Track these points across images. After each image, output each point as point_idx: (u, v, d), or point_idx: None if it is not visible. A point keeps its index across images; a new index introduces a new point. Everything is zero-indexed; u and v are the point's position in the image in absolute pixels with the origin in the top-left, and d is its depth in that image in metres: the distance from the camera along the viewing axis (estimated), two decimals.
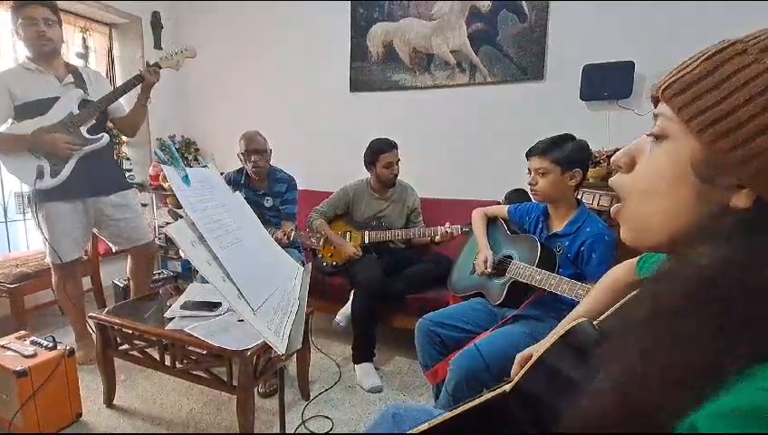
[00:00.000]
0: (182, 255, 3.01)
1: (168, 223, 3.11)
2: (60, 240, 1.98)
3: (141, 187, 3.34)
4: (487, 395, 0.62)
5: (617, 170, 0.48)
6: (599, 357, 0.44)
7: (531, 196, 1.56)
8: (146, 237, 2.26)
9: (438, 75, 2.76)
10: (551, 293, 1.38)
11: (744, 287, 0.33)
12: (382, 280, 2.10)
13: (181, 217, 0.89)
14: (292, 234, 2.16)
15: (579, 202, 1.53)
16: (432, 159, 2.81)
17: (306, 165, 3.00)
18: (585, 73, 2.34)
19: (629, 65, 2.25)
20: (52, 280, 2.09)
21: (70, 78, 1.99)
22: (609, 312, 0.61)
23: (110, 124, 2.17)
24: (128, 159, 3.45)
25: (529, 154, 1.50)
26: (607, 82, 2.29)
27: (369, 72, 2.94)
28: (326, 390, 1.94)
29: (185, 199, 0.91)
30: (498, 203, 2.23)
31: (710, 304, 0.34)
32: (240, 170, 2.41)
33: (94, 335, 1.80)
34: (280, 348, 0.84)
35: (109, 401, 1.80)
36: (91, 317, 1.74)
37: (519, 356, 0.78)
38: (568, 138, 1.46)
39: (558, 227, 1.53)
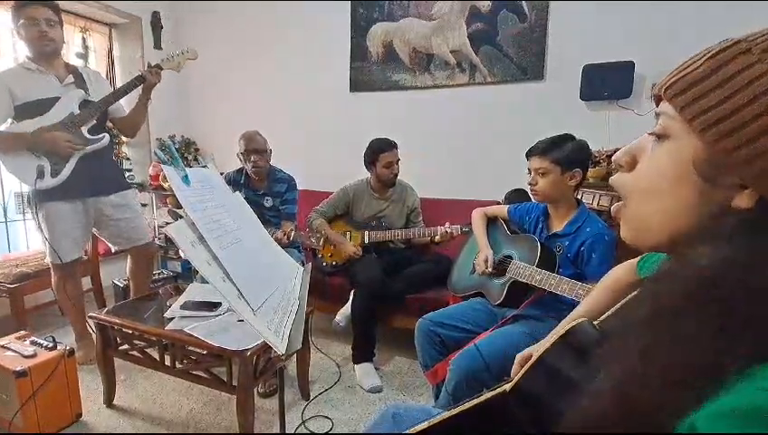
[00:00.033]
0: (182, 255, 3.01)
1: (167, 223, 3.11)
2: (60, 240, 1.98)
3: (141, 187, 3.34)
4: (487, 395, 0.62)
5: (618, 169, 0.48)
6: (599, 357, 0.44)
7: (531, 196, 1.56)
8: (146, 237, 2.26)
9: (438, 75, 2.76)
10: (551, 293, 1.38)
11: (745, 287, 0.33)
12: (382, 280, 2.10)
13: (181, 217, 0.89)
14: (292, 234, 2.16)
15: (579, 202, 1.53)
16: (432, 159, 2.81)
17: (306, 165, 3.00)
18: (585, 73, 2.34)
19: (629, 65, 2.25)
20: (52, 280, 2.09)
21: (70, 78, 1.99)
22: (609, 312, 0.61)
23: (109, 124, 2.17)
24: (128, 159, 3.45)
25: (529, 154, 1.50)
26: (607, 82, 2.29)
27: (369, 72, 2.95)
28: (326, 390, 1.94)
29: (185, 199, 0.91)
30: (498, 203, 2.23)
31: (711, 304, 0.34)
32: (240, 170, 2.41)
33: (94, 335, 1.80)
34: (280, 348, 0.84)
35: (109, 401, 1.80)
36: (90, 317, 1.74)
37: (519, 356, 0.78)
38: (568, 138, 1.46)
39: (558, 226, 1.53)
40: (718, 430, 0.29)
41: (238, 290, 0.85)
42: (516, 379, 0.60)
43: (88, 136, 1.96)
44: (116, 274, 2.84)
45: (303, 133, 3.22)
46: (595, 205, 1.87)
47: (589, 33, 2.38)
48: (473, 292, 1.72)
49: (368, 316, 2.06)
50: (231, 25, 3.37)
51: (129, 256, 2.28)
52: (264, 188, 2.39)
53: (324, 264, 2.38)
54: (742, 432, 0.28)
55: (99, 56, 3.28)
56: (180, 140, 3.57)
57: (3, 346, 1.61)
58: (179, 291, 1.94)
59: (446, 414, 0.63)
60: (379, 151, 2.29)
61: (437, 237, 2.13)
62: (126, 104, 2.17)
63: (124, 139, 3.24)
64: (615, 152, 2.24)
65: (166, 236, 3.11)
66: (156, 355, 1.64)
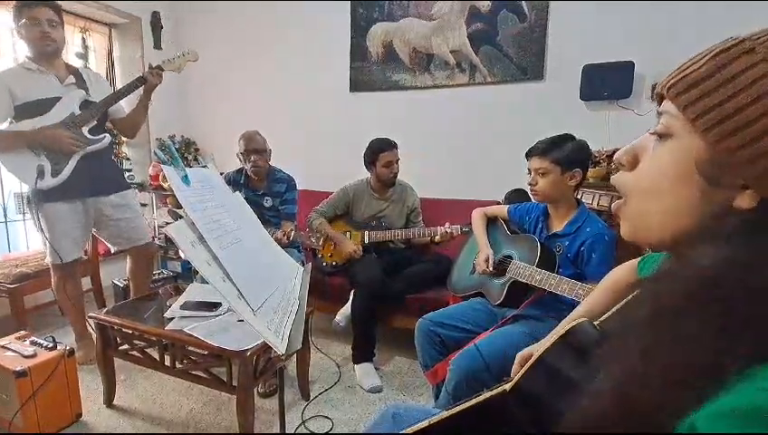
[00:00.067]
0: (182, 255, 3.01)
1: (167, 223, 3.11)
2: (60, 240, 1.98)
3: (141, 187, 3.34)
4: (486, 395, 0.62)
5: (619, 168, 0.48)
6: (599, 357, 0.44)
7: (531, 196, 1.56)
8: (145, 237, 2.26)
9: (438, 75, 2.76)
10: (551, 293, 1.38)
11: (746, 288, 0.33)
12: (382, 280, 2.10)
13: (181, 217, 0.89)
14: (292, 234, 2.17)
15: (579, 202, 1.53)
16: (432, 159, 2.81)
17: (306, 165, 3.00)
18: (585, 73, 2.34)
19: (629, 65, 2.25)
20: (52, 280, 2.09)
21: (71, 79, 1.99)
22: (610, 312, 0.61)
23: (108, 125, 2.17)
24: (128, 159, 3.45)
25: (529, 154, 1.50)
26: (607, 82, 2.29)
27: (369, 72, 2.95)
28: (326, 390, 1.94)
29: (184, 199, 0.91)
30: (498, 203, 2.23)
31: (712, 304, 0.34)
32: (240, 170, 2.41)
33: (94, 335, 1.79)
34: (280, 348, 0.84)
35: (109, 401, 1.80)
36: (90, 317, 1.74)
37: (519, 355, 0.78)
38: (568, 138, 1.46)
39: (558, 226, 1.53)
40: (718, 430, 0.29)
41: (238, 290, 0.85)
42: (516, 379, 0.60)
43: (89, 136, 1.96)
44: (116, 274, 2.84)
45: (303, 133, 3.22)
46: (595, 205, 1.87)
47: (589, 33, 2.38)
48: (473, 292, 1.72)
49: (368, 316, 2.06)
50: (231, 25, 3.37)
51: (128, 257, 2.28)
52: (264, 189, 2.39)
53: (324, 264, 2.38)
54: (742, 432, 0.28)
55: (98, 56, 3.28)
56: (180, 140, 3.57)
57: (3, 346, 1.61)
58: (179, 291, 1.94)
59: (446, 414, 0.63)
60: (379, 151, 2.29)
61: (437, 237, 2.13)
62: (125, 105, 2.17)
63: (124, 139, 3.24)
64: (615, 152, 2.25)
65: (166, 236, 3.11)
66: (156, 355, 1.64)
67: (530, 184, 1.51)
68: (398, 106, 2.91)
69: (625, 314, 0.58)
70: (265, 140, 2.35)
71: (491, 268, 1.58)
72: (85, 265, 2.57)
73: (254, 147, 2.29)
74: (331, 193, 2.50)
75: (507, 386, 0.61)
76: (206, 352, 1.53)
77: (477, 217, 1.80)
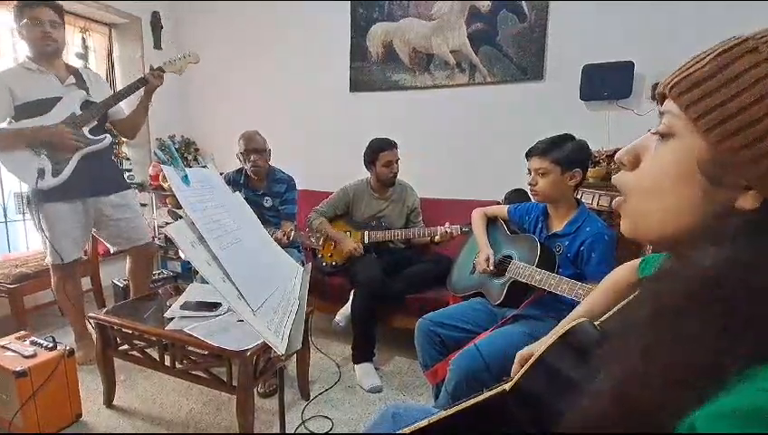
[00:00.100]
0: (182, 255, 3.01)
1: (167, 223, 3.11)
2: (60, 240, 1.98)
3: (141, 187, 3.34)
4: (486, 394, 0.62)
5: (620, 168, 0.48)
6: (599, 357, 0.44)
7: (531, 196, 1.56)
8: (145, 237, 2.26)
9: (438, 75, 2.76)
10: (550, 293, 1.38)
11: (748, 288, 0.33)
12: (382, 280, 2.10)
13: (181, 217, 0.89)
14: (292, 234, 2.17)
15: (578, 202, 1.53)
16: (432, 159, 2.81)
17: (306, 165, 3.00)
18: (585, 73, 2.34)
19: (629, 65, 2.25)
20: (52, 280, 2.09)
21: (72, 79, 2.00)
22: (610, 312, 0.61)
23: (108, 126, 2.17)
24: (128, 159, 3.45)
25: (529, 154, 1.50)
26: (606, 82, 2.29)
27: (369, 72, 2.95)
28: (326, 390, 1.94)
29: (184, 200, 0.91)
30: (498, 203, 2.23)
31: (713, 304, 0.34)
32: (239, 171, 2.41)
33: (94, 335, 1.79)
34: (280, 348, 0.84)
35: (108, 402, 1.80)
36: (90, 317, 1.74)
37: (519, 355, 0.77)
38: (567, 138, 1.46)
39: (558, 226, 1.53)
40: (718, 430, 0.29)
41: (238, 290, 0.85)
42: (516, 378, 0.60)
43: (89, 136, 1.97)
44: (116, 274, 2.84)
45: (303, 133, 3.22)
46: (595, 205, 1.87)
47: (589, 33, 2.38)
48: (473, 292, 1.72)
49: (368, 316, 2.06)
50: (231, 25, 3.37)
51: (128, 257, 2.28)
52: (264, 189, 2.39)
53: (324, 264, 2.38)
54: (742, 433, 0.28)
55: (98, 56, 3.28)
56: (180, 140, 3.57)
57: (3, 346, 1.61)
58: (179, 291, 1.94)
59: (445, 413, 0.63)
60: (379, 150, 2.29)
61: (437, 237, 2.13)
62: (125, 106, 2.17)
63: (124, 139, 3.24)
64: (615, 152, 2.25)
65: (166, 236, 3.11)
66: (156, 355, 1.64)
67: (530, 184, 1.51)
68: (398, 106, 2.90)
69: (625, 314, 0.58)
70: (265, 140, 2.35)
71: (491, 267, 1.58)
72: (85, 265, 2.57)
73: (253, 147, 2.29)
74: (331, 193, 2.50)
75: (507, 386, 0.61)
76: (206, 352, 1.53)
77: (477, 217, 1.80)
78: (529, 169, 1.50)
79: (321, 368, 2.10)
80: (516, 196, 2.21)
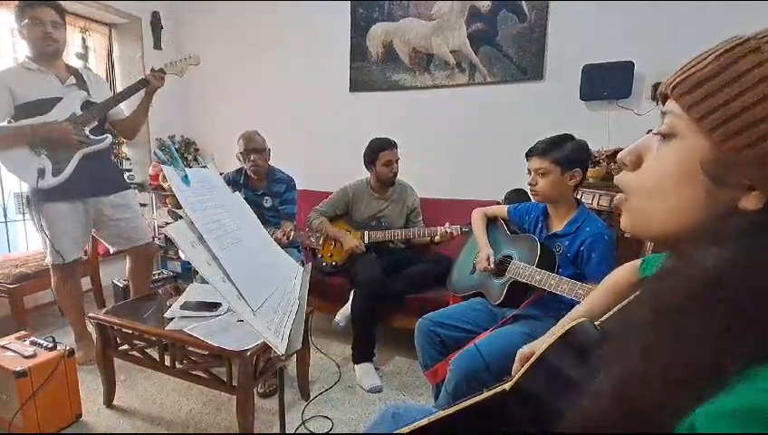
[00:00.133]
0: (182, 255, 3.01)
1: (167, 223, 3.11)
2: (60, 240, 1.98)
3: (141, 187, 3.34)
4: (486, 394, 0.62)
5: (622, 168, 0.48)
6: (599, 357, 0.44)
7: (531, 196, 1.56)
8: (145, 237, 2.26)
9: (438, 75, 2.76)
10: (550, 293, 1.38)
11: (750, 289, 0.33)
12: (382, 280, 2.10)
13: (181, 217, 0.89)
14: (292, 234, 2.17)
15: (578, 202, 1.53)
16: (432, 159, 2.81)
17: (306, 165, 3.00)
18: (585, 73, 2.34)
19: (629, 65, 2.25)
20: (52, 281, 2.09)
21: (72, 79, 2.00)
22: (611, 312, 0.61)
23: (107, 126, 2.17)
24: (127, 159, 3.45)
25: (528, 154, 1.50)
26: (606, 82, 2.29)
27: (369, 72, 2.95)
28: (326, 390, 1.94)
29: (184, 200, 0.91)
30: (498, 203, 2.23)
31: (715, 304, 0.34)
32: (239, 171, 2.42)
33: (94, 336, 1.79)
34: (280, 348, 0.84)
35: (108, 402, 1.80)
36: (90, 317, 1.74)
37: (519, 353, 0.77)
38: (567, 138, 1.46)
39: (558, 226, 1.53)
40: (718, 430, 0.29)
41: (238, 290, 0.85)
42: (516, 378, 0.60)
43: (90, 136, 1.97)
44: (116, 274, 2.84)
45: (303, 133, 3.22)
46: (595, 205, 1.87)
47: (588, 33, 2.38)
48: (473, 292, 1.72)
49: (368, 316, 2.06)
50: (231, 25, 3.37)
51: (128, 257, 2.28)
52: (264, 189, 2.39)
53: (324, 264, 2.38)
54: (742, 433, 0.28)
55: (98, 56, 3.28)
56: (180, 140, 3.57)
57: (3, 346, 1.61)
58: (179, 291, 1.94)
59: (445, 413, 0.63)
60: (379, 150, 2.29)
61: (437, 237, 2.13)
62: (124, 107, 2.17)
63: (123, 139, 3.24)
64: (615, 152, 2.25)
65: (166, 236, 3.11)
66: (156, 355, 1.64)
67: (530, 184, 1.51)
68: (398, 106, 2.90)
69: (626, 314, 0.58)
70: (264, 140, 2.35)
71: (492, 265, 1.57)
72: (85, 265, 2.57)
73: (253, 146, 2.29)
74: (331, 193, 2.50)
75: (507, 385, 0.61)
76: (206, 353, 1.53)
77: (477, 217, 1.80)
78: (529, 169, 1.50)
79: (321, 368, 2.10)
80: (516, 196, 2.21)
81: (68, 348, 1.65)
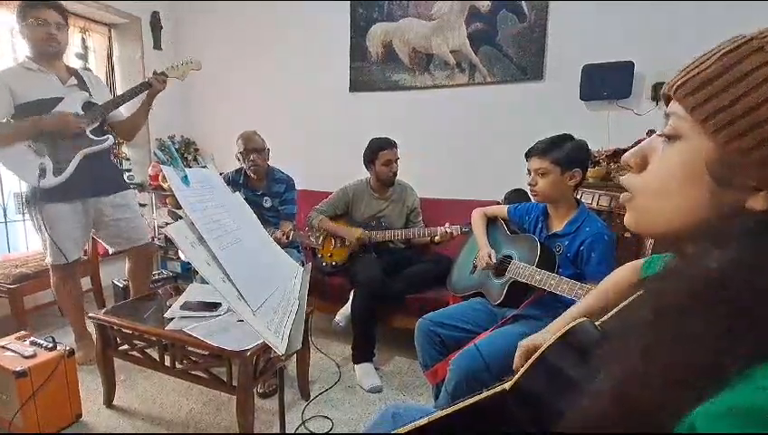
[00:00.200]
0: (182, 255, 3.01)
1: (167, 223, 3.11)
2: (62, 241, 1.98)
3: (141, 187, 3.34)
4: (486, 393, 0.62)
5: (627, 169, 0.48)
6: (600, 357, 0.44)
7: (530, 196, 1.56)
8: (145, 238, 2.26)
9: (438, 75, 2.76)
10: (550, 293, 1.38)
11: (753, 289, 0.33)
12: (382, 280, 2.10)
13: (181, 217, 0.89)
14: (291, 233, 2.17)
15: (578, 202, 1.53)
16: (432, 159, 2.81)
17: (306, 165, 3.00)
18: (585, 73, 2.34)
19: (629, 65, 2.25)
20: (52, 281, 2.09)
21: (73, 80, 2.00)
22: (611, 312, 0.61)
23: (106, 127, 2.17)
24: (127, 159, 3.45)
25: (528, 155, 1.50)
26: (606, 82, 2.29)
27: (369, 72, 2.95)
28: (326, 390, 1.94)
29: (184, 200, 0.91)
30: (498, 203, 2.23)
31: (718, 304, 0.34)
32: (239, 171, 2.42)
33: (94, 336, 1.79)
34: (280, 348, 0.84)
35: (108, 402, 1.80)
36: (90, 317, 1.74)
37: (521, 345, 0.77)
38: (567, 138, 1.46)
39: (557, 226, 1.53)
40: (718, 429, 0.29)
41: (238, 290, 0.85)
42: (516, 378, 0.60)
43: (92, 137, 1.97)
44: (116, 274, 2.84)
45: (303, 133, 3.22)
46: (595, 205, 1.87)
47: (588, 33, 2.38)
48: (473, 292, 1.72)
49: (368, 316, 2.06)
50: (231, 25, 3.37)
51: (127, 257, 2.28)
52: (263, 189, 2.39)
53: (324, 264, 2.38)
54: (742, 432, 0.28)
55: (98, 57, 3.27)
56: (180, 140, 3.57)
57: (3, 346, 1.61)
58: (179, 291, 1.94)
59: (444, 412, 0.63)
60: (378, 149, 2.29)
61: (437, 237, 2.13)
62: (123, 108, 2.17)
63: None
64: (615, 152, 2.23)
65: (166, 236, 3.11)
66: (156, 355, 1.64)
67: (530, 184, 1.51)
68: (398, 106, 2.90)
69: (627, 314, 0.58)
70: (264, 140, 2.35)
71: (494, 261, 1.57)
72: (85, 265, 2.57)
73: (252, 146, 2.29)
74: (331, 193, 2.50)
75: (507, 385, 0.61)
76: (205, 353, 1.53)
77: (477, 217, 1.80)
78: (529, 170, 1.50)
79: (321, 368, 2.10)
80: (516, 196, 2.21)
81: (68, 348, 1.65)
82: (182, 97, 3.59)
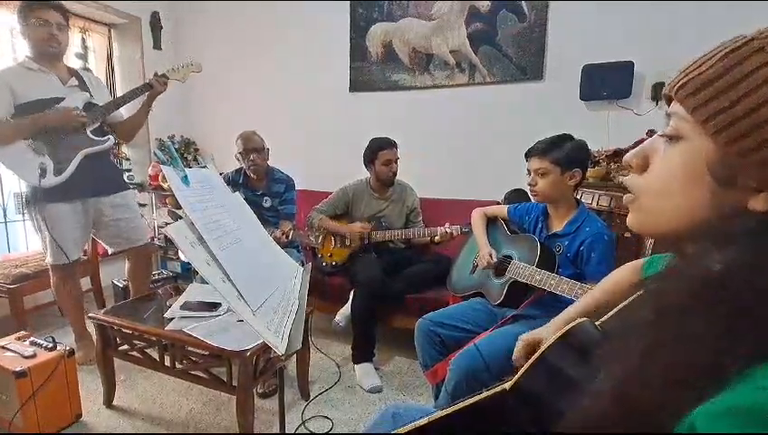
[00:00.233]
0: (181, 255, 3.01)
1: (167, 223, 3.11)
2: (64, 241, 1.98)
3: (141, 187, 3.34)
4: (486, 393, 0.62)
5: (628, 170, 0.48)
6: (600, 357, 0.44)
7: (530, 196, 1.56)
8: (144, 238, 2.26)
9: (438, 75, 2.76)
10: (550, 293, 1.38)
11: (754, 289, 0.33)
12: (382, 280, 2.10)
13: (181, 217, 0.89)
14: (291, 233, 2.17)
15: (578, 202, 1.53)
16: (432, 159, 2.81)
17: (306, 165, 3.00)
18: (585, 73, 2.34)
19: (629, 65, 2.25)
20: (52, 281, 2.09)
21: (74, 81, 2.01)
22: (611, 312, 0.61)
23: (106, 128, 2.17)
24: (127, 159, 3.45)
25: (528, 155, 1.50)
26: (606, 82, 2.29)
27: (369, 72, 2.95)
28: (326, 390, 1.94)
29: (184, 200, 0.91)
30: (498, 203, 2.23)
31: (718, 304, 0.34)
32: (238, 171, 2.42)
33: (94, 336, 1.79)
34: (279, 348, 0.84)
35: (108, 402, 1.80)
36: (90, 318, 1.74)
37: (522, 339, 0.77)
38: (567, 138, 1.46)
39: (557, 226, 1.53)
40: (718, 429, 0.29)
41: (238, 290, 0.85)
42: (516, 378, 0.60)
43: (93, 137, 1.97)
44: (115, 274, 2.84)
45: (303, 133, 3.22)
46: (595, 205, 1.87)
47: (588, 33, 2.38)
48: (473, 292, 1.72)
49: (368, 316, 2.06)
50: (231, 25, 3.36)
51: (127, 258, 2.28)
52: (263, 189, 2.39)
53: (324, 264, 2.38)
54: (742, 432, 0.28)
55: (98, 57, 3.27)
56: (180, 140, 3.57)
57: (3, 347, 1.61)
58: (179, 291, 1.94)
59: (444, 412, 0.63)
60: (378, 149, 2.29)
61: (437, 237, 2.13)
62: (123, 109, 2.17)
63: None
64: (615, 152, 2.23)
65: (166, 236, 3.11)
66: (156, 356, 1.64)
67: (529, 184, 1.51)
68: (398, 106, 2.90)
69: (627, 314, 0.58)
70: (263, 140, 2.35)
71: (495, 259, 1.57)
72: (85, 265, 2.57)
73: (252, 146, 2.29)
74: (331, 193, 2.50)
75: (507, 385, 0.61)
76: (205, 353, 1.53)
77: (477, 217, 1.80)
78: (528, 170, 1.50)
79: (321, 368, 2.10)
80: (516, 196, 2.21)
81: (68, 348, 1.65)
82: (182, 97, 3.58)
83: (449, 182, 2.77)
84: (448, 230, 2.09)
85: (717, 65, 0.38)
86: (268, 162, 2.39)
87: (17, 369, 1.49)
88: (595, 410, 0.39)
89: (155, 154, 3.28)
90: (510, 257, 1.58)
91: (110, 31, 3.33)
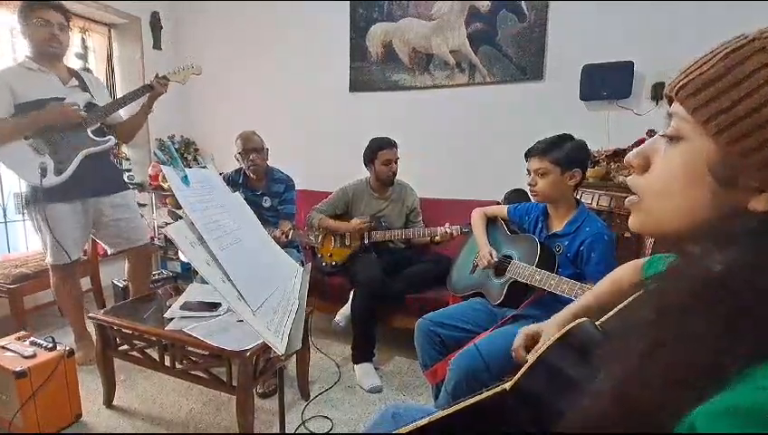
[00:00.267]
0: (181, 256, 3.01)
1: (167, 223, 3.11)
2: (64, 241, 1.98)
3: (141, 187, 3.34)
4: (486, 393, 0.62)
5: (629, 170, 0.48)
6: (600, 357, 0.44)
7: (530, 196, 1.56)
8: (144, 238, 2.26)
9: (438, 75, 2.76)
10: (550, 293, 1.38)
11: (755, 289, 0.33)
12: (382, 280, 2.10)
13: (181, 217, 0.89)
14: (291, 233, 2.17)
15: (578, 202, 1.53)
16: (432, 159, 2.81)
17: (306, 165, 3.00)
18: (585, 73, 2.34)
19: (629, 65, 2.26)
20: (52, 281, 2.09)
21: (74, 81, 2.01)
22: (612, 312, 0.61)
23: (105, 129, 2.17)
24: (127, 159, 3.45)
25: (528, 155, 1.50)
26: (606, 82, 2.29)
27: (369, 72, 2.95)
28: (326, 390, 1.94)
29: (184, 200, 0.91)
30: (498, 203, 2.23)
31: (719, 304, 0.34)
32: (238, 171, 2.42)
33: (94, 336, 1.79)
34: (279, 348, 0.84)
35: (108, 402, 1.80)
36: (90, 318, 1.74)
37: (522, 331, 0.77)
38: (567, 138, 1.46)
39: (557, 226, 1.53)
40: (718, 429, 0.29)
41: (238, 291, 0.85)
42: (516, 378, 0.60)
43: (93, 138, 1.97)
44: (115, 274, 2.84)
45: (303, 133, 3.22)
46: (594, 205, 1.87)
47: (588, 33, 2.38)
48: (472, 292, 1.72)
49: (368, 316, 2.06)
50: (231, 25, 3.36)
51: (126, 259, 2.28)
52: (263, 189, 2.39)
53: (324, 264, 2.38)
54: (742, 432, 0.28)
55: (98, 57, 3.27)
56: (180, 140, 3.57)
57: (3, 347, 1.61)
58: (179, 291, 1.94)
59: (444, 412, 0.63)
60: (378, 149, 2.29)
61: (437, 237, 2.13)
62: (122, 110, 2.17)
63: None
64: (615, 152, 2.23)
65: (165, 236, 3.10)
66: (155, 356, 1.64)
67: (529, 184, 1.51)
68: (398, 106, 2.91)
69: (627, 314, 0.58)
70: (262, 139, 2.35)
71: (495, 259, 1.57)
72: (85, 265, 2.57)
73: (251, 146, 2.29)
74: (331, 193, 2.50)
75: (507, 385, 0.61)
76: (205, 353, 1.53)
77: (477, 217, 1.80)
78: (528, 170, 1.50)
79: (321, 368, 2.10)
80: (516, 196, 2.21)
81: (68, 348, 1.65)
82: (182, 97, 3.58)
83: (449, 182, 2.77)
84: (448, 230, 2.09)
85: (718, 65, 0.38)
86: (268, 162, 2.39)
87: (17, 369, 1.49)
88: (595, 410, 0.39)
89: (155, 154, 3.28)
90: (510, 257, 1.58)
91: (110, 31, 3.33)
